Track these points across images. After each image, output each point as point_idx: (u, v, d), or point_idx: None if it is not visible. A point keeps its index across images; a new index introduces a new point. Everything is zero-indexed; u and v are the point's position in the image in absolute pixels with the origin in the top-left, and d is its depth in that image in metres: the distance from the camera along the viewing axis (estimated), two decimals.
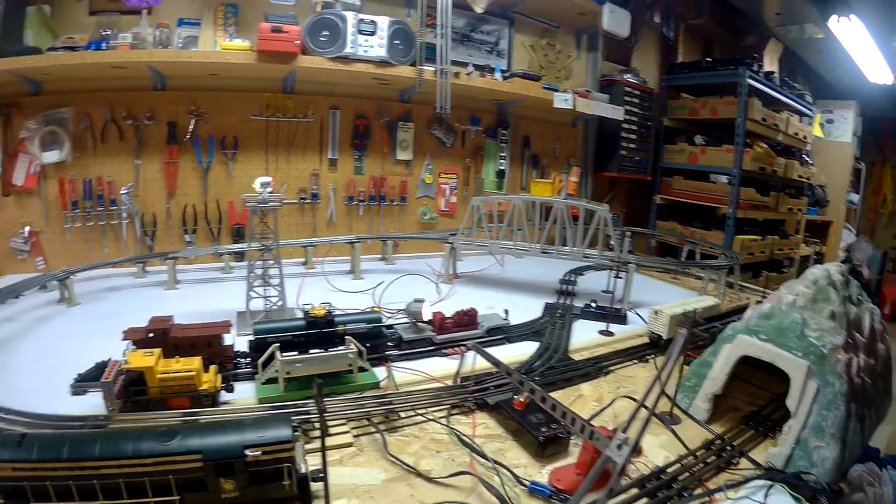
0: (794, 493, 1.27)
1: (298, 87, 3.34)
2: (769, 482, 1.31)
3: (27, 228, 2.85)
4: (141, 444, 1.04)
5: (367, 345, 1.79)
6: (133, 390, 1.46)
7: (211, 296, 2.63)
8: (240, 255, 3.10)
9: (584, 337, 2.32)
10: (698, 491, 1.29)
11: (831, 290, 1.68)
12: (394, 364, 1.90)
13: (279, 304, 2.22)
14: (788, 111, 5.24)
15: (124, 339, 1.64)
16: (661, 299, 2.67)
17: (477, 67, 3.67)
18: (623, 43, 4.61)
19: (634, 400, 1.74)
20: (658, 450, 1.48)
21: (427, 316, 2.07)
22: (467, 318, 2.13)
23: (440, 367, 1.90)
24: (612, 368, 2.03)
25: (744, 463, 1.45)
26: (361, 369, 1.74)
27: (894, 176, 8.37)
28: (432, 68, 3.31)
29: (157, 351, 1.52)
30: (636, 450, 1.09)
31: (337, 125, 3.49)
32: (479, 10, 3.67)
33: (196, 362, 1.51)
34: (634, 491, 1.25)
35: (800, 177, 5.44)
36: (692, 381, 1.75)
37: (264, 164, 3.32)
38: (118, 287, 2.72)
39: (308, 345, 1.73)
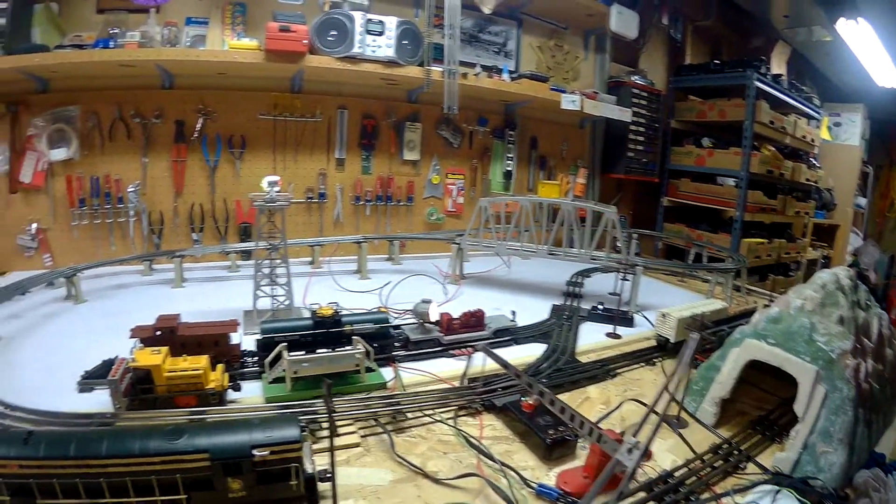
0: (801, 498, 1.26)
1: (306, 86, 3.34)
2: (776, 487, 1.30)
3: (34, 225, 2.86)
4: (148, 443, 1.04)
5: (375, 345, 1.79)
6: (140, 388, 1.46)
7: (218, 294, 2.63)
8: (246, 254, 3.10)
9: (591, 339, 2.32)
10: (706, 495, 1.29)
11: (840, 295, 1.67)
12: (401, 365, 1.90)
13: (286, 303, 2.22)
14: (796, 114, 5.21)
15: (131, 336, 1.64)
16: (668, 302, 2.66)
17: (485, 68, 3.66)
18: (631, 44, 4.59)
19: (642, 403, 1.73)
20: (665, 453, 1.48)
21: (434, 317, 2.06)
22: (474, 320, 2.12)
23: (447, 369, 1.90)
24: (619, 371, 2.02)
25: (751, 468, 1.44)
26: (368, 369, 1.73)
27: None
28: (440, 69, 3.30)
29: (165, 349, 1.52)
30: (646, 454, 1.09)
31: (344, 125, 3.48)
32: (486, 10, 3.66)
33: (203, 361, 1.51)
34: (642, 494, 1.25)
35: (807, 180, 5.42)
36: (700, 385, 1.74)
37: (272, 163, 3.32)
38: (125, 285, 2.73)
39: (315, 344, 1.73)
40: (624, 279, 2.51)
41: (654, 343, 2.24)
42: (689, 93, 4.98)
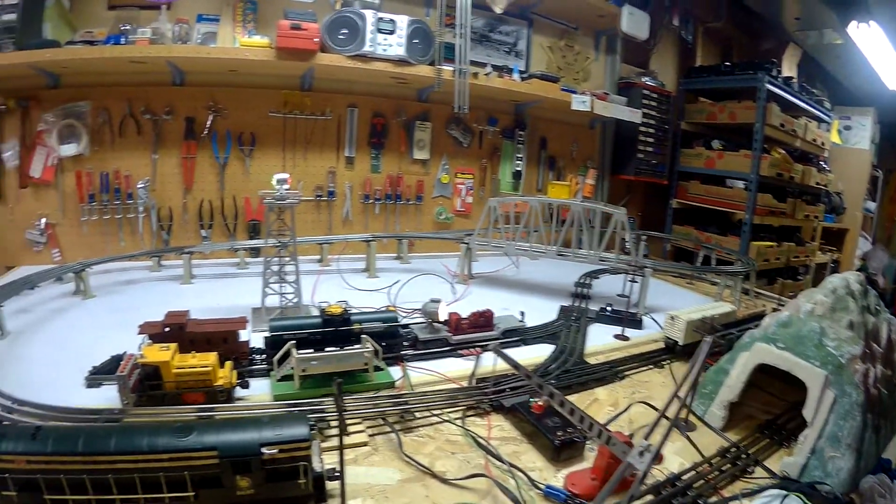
0: (808, 502, 1.25)
1: (316, 84, 3.34)
2: (784, 492, 1.29)
3: (44, 220, 2.87)
4: (157, 440, 1.04)
5: (383, 344, 1.79)
6: (148, 384, 1.46)
7: (226, 291, 2.64)
8: (255, 252, 3.11)
9: (600, 341, 2.31)
10: (713, 499, 1.29)
11: (850, 300, 1.66)
12: (409, 364, 1.90)
13: (295, 300, 2.22)
14: (807, 117, 5.18)
15: (140, 332, 1.65)
16: (676, 304, 2.66)
17: (495, 68, 3.65)
18: (641, 45, 4.58)
19: (650, 406, 1.73)
20: (673, 456, 1.47)
21: (443, 316, 2.06)
22: (483, 320, 2.12)
23: (455, 368, 1.90)
24: (627, 373, 2.01)
25: (759, 472, 1.43)
26: (377, 368, 1.73)
27: None
28: (451, 68, 3.30)
29: (174, 345, 1.52)
30: (657, 457, 1.08)
31: (354, 123, 3.48)
32: (498, 10, 3.65)
33: (212, 358, 1.51)
34: (650, 497, 1.25)
35: (817, 183, 5.39)
36: (708, 388, 1.73)
37: (281, 160, 3.32)
38: (134, 280, 2.74)
39: (324, 342, 1.73)
40: (633, 281, 2.50)
41: (662, 345, 2.23)
42: (699, 94, 4.96)
